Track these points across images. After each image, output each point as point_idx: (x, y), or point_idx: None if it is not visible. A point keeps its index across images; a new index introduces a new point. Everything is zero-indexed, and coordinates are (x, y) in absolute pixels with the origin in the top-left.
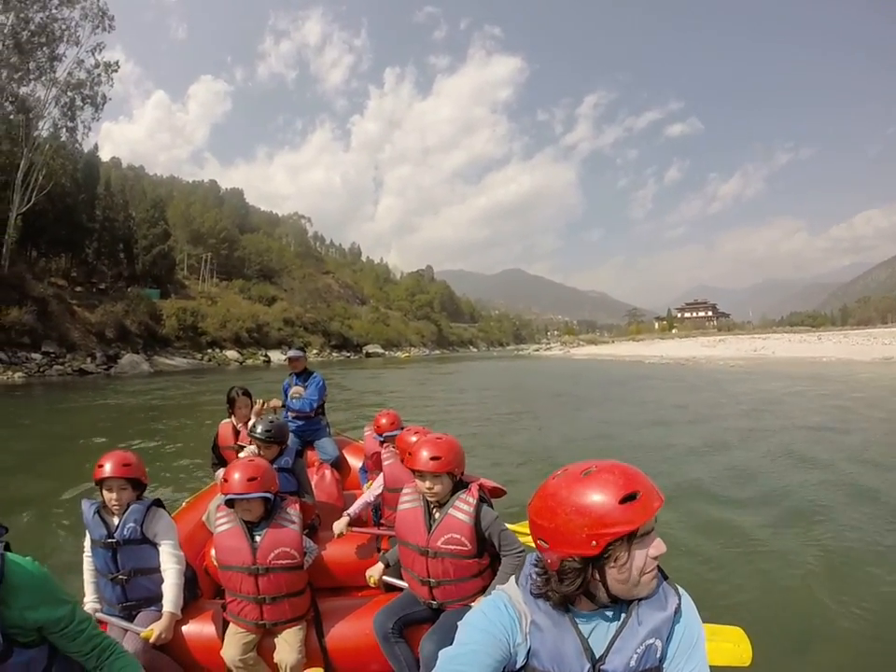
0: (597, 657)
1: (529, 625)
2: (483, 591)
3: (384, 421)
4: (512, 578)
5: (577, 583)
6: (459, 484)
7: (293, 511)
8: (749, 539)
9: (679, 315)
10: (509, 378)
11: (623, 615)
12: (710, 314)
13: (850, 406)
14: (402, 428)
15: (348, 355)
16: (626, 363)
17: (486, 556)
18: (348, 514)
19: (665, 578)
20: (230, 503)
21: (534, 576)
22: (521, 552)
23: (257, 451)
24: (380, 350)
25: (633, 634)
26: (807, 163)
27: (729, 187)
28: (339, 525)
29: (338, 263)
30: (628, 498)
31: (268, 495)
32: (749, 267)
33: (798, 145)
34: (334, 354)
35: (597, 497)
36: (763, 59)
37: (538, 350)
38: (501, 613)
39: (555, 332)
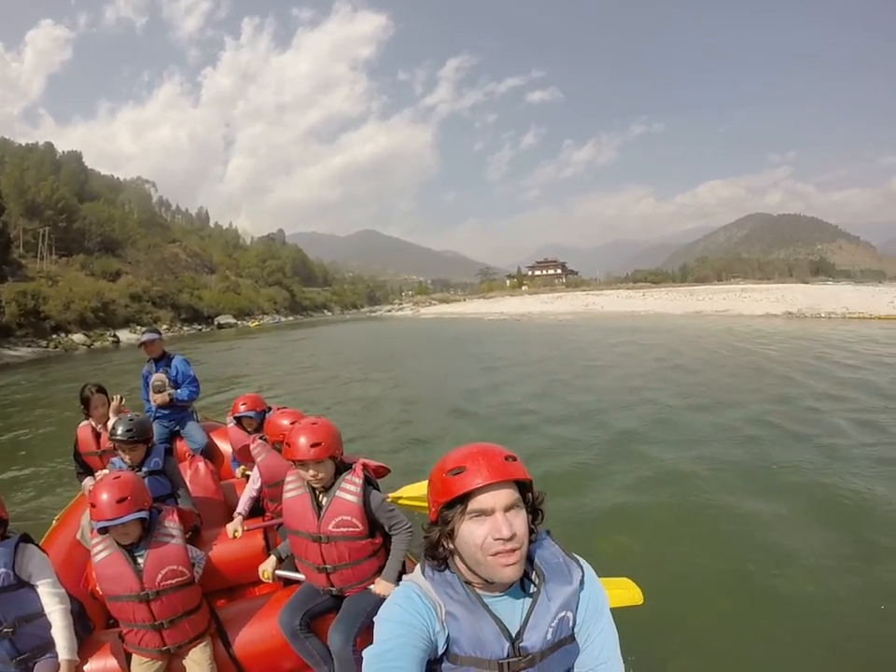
0: (514, 636)
1: (445, 615)
2: (379, 571)
3: (242, 406)
4: (418, 568)
5: (428, 545)
6: (342, 466)
7: (172, 523)
8: (614, 490)
9: (531, 273)
10: (352, 341)
11: (532, 594)
12: (559, 271)
13: (647, 349)
14: (267, 410)
15: (200, 328)
16: (469, 320)
17: (378, 536)
18: (240, 514)
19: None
20: (103, 530)
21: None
22: (409, 527)
23: (124, 463)
24: (232, 320)
25: (545, 610)
26: (659, 136)
27: (583, 154)
28: (233, 527)
29: (185, 230)
30: (454, 472)
31: (143, 514)
32: (600, 228)
33: (652, 119)
34: (185, 328)
35: (436, 468)
36: (626, 28)
37: (390, 311)
38: (416, 603)
39: (409, 292)
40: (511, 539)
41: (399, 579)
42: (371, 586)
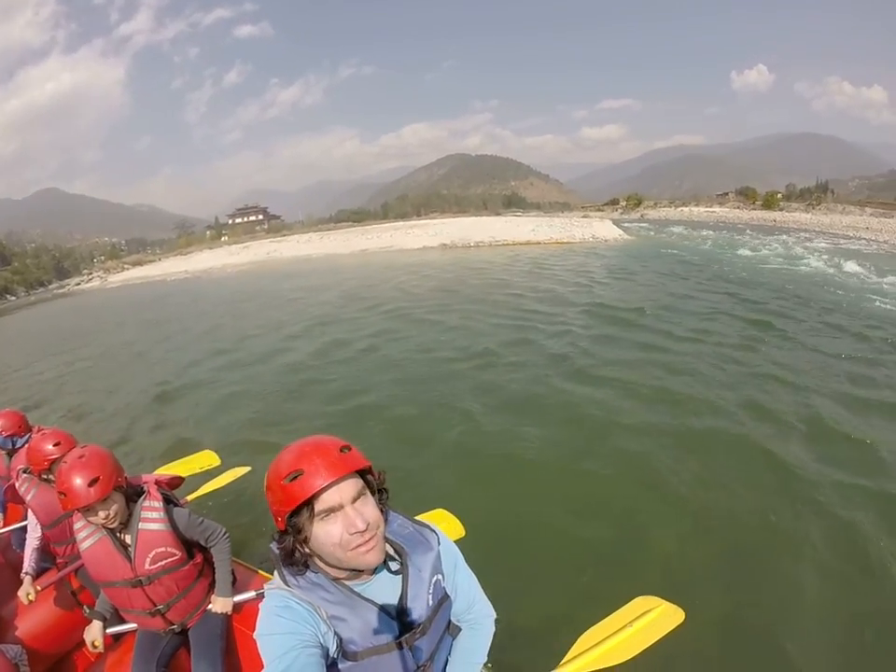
0: (399, 613)
1: (328, 617)
2: (211, 588)
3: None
4: (278, 577)
5: (284, 555)
6: (131, 492)
7: None
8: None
9: (231, 221)
10: (26, 331)
11: (401, 569)
12: (262, 217)
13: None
14: (29, 431)
15: None
16: (154, 283)
17: (197, 554)
18: (28, 574)
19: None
20: None
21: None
22: (225, 534)
23: None
24: None
25: (419, 580)
26: (367, 79)
27: (289, 94)
28: (24, 592)
29: None
30: (291, 477)
31: None
32: (304, 170)
33: (362, 62)
34: None
35: (271, 476)
36: None
37: (79, 284)
38: (296, 610)
39: (101, 258)
40: (366, 529)
41: (234, 584)
42: (210, 607)
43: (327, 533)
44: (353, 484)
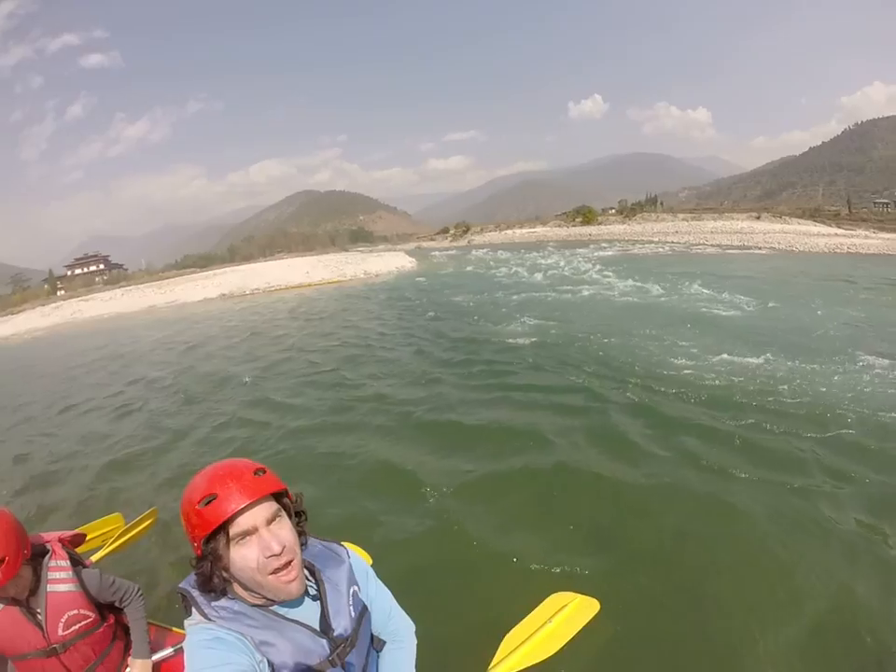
0: (325, 630)
1: (258, 644)
2: (127, 650)
3: None
4: (196, 614)
5: (202, 581)
6: (35, 552)
7: None
8: None
9: (70, 272)
10: None
11: (318, 588)
12: (102, 266)
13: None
14: None
15: None
16: None
17: (109, 615)
18: None
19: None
20: None
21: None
22: (139, 592)
23: None
24: None
25: (338, 595)
26: (217, 115)
27: (135, 129)
28: None
29: None
30: (206, 501)
31: None
32: (149, 213)
33: (211, 97)
34: None
35: (186, 501)
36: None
37: None
38: (225, 640)
39: None
40: (282, 552)
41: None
42: (128, 671)
43: (243, 557)
44: (267, 507)
